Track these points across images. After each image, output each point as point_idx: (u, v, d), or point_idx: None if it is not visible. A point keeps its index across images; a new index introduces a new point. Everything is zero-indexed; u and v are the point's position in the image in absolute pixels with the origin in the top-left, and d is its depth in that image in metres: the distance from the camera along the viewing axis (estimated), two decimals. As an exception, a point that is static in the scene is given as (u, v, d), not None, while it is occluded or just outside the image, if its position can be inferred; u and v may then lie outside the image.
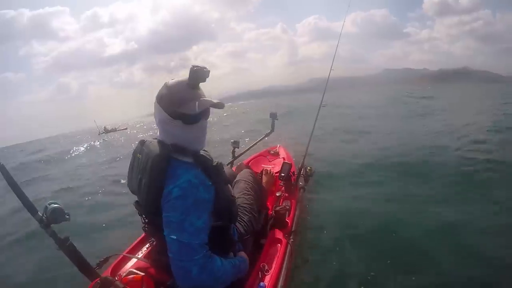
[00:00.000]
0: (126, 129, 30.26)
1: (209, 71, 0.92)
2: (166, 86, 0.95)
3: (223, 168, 1.08)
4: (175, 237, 0.88)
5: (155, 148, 0.98)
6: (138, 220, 1.14)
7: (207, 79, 0.94)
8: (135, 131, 23.54)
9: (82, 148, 12.94)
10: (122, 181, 4.38)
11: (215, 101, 0.94)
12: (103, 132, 27.56)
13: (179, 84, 0.94)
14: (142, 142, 1.07)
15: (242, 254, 1.18)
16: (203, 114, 0.97)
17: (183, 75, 0.95)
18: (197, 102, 0.92)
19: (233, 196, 1.16)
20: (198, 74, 0.91)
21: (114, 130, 29.21)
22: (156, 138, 1.05)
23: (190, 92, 0.93)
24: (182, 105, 0.92)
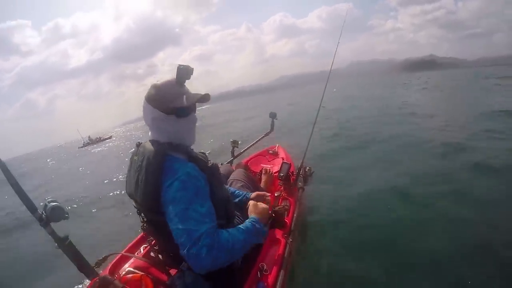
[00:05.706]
0: (111, 137, 28.57)
1: (193, 69, 1.03)
2: (155, 86, 1.03)
3: (218, 170, 1.10)
4: (182, 227, 0.88)
5: (150, 146, 1.03)
6: None
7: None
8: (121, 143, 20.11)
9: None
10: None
11: (201, 93, 1.05)
12: (88, 143, 25.26)
13: (168, 82, 1.03)
14: (138, 144, 1.13)
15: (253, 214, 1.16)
16: (193, 107, 1.07)
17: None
18: (184, 96, 1.03)
19: (228, 196, 1.17)
20: (185, 72, 1.02)
21: (99, 139, 26.98)
22: (150, 140, 1.08)
23: (179, 88, 1.03)
24: (174, 100, 1.02)
